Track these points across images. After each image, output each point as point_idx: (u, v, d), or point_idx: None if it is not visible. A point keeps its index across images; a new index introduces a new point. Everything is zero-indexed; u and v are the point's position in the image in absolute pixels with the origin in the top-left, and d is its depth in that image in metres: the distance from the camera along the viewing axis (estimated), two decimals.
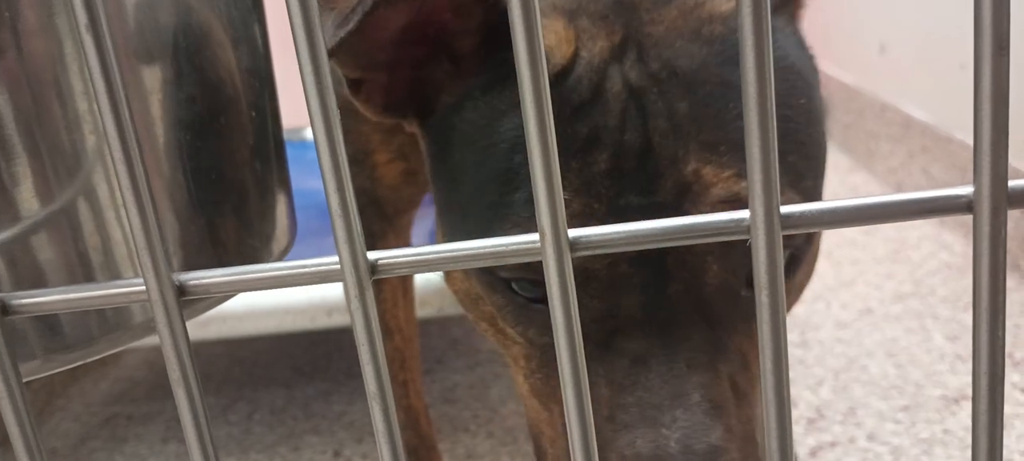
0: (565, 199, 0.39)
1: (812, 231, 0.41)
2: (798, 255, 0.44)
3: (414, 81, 0.47)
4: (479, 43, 0.44)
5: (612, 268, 0.40)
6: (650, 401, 0.39)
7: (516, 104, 0.42)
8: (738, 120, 0.40)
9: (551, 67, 0.42)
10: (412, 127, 0.49)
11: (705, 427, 0.38)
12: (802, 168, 0.43)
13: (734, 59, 0.41)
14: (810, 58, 0.47)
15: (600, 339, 0.41)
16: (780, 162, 0.41)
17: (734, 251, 0.40)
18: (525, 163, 0.41)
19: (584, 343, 0.42)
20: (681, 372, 0.39)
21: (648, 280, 0.40)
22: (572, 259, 0.39)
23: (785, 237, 0.41)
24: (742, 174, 0.40)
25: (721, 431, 0.38)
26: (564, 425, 0.42)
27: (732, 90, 0.40)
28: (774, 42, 0.45)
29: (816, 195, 0.44)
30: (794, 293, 0.47)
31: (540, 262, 0.39)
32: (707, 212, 0.38)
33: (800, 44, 0.47)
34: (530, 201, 0.40)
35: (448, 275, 0.49)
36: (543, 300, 0.43)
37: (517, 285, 0.43)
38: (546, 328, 0.43)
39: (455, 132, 0.45)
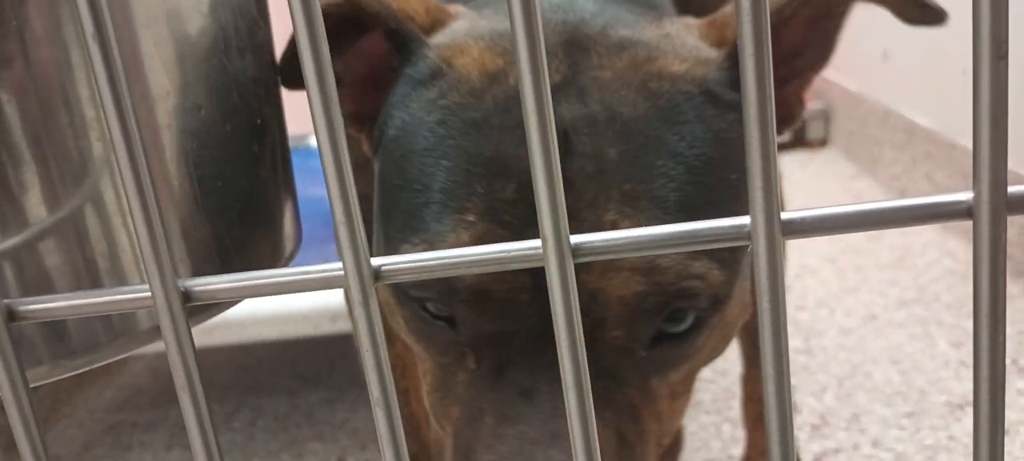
0: (470, 221, 0.39)
1: (719, 300, 0.40)
2: (703, 317, 0.42)
3: (362, 101, 0.48)
4: (388, 52, 0.46)
5: (511, 293, 0.39)
6: (529, 436, 0.39)
7: (428, 112, 0.43)
8: (664, 179, 0.40)
9: (457, 82, 0.43)
10: (366, 146, 0.50)
11: None
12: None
13: (674, 119, 0.41)
14: None
15: (494, 366, 0.41)
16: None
17: (638, 321, 0.40)
18: (437, 176, 0.41)
19: (478, 366, 0.42)
20: (563, 413, 0.39)
21: (546, 315, 0.39)
22: (470, 278, 0.39)
23: (688, 296, 0.41)
24: None
25: None
26: (455, 447, 0.42)
27: (665, 148, 0.40)
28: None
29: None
30: (724, 332, 0.45)
31: (443, 283, 0.40)
32: (613, 270, 0.38)
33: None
34: (440, 216, 0.40)
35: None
36: (445, 317, 0.42)
37: (429, 304, 0.43)
38: (446, 349, 0.43)
39: (384, 141, 0.45)
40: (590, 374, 0.40)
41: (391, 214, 0.44)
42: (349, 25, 0.46)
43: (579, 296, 0.39)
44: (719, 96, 0.43)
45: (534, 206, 0.39)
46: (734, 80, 0.43)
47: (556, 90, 0.41)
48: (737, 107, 0.43)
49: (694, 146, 0.41)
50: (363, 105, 0.48)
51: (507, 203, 0.39)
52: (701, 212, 0.40)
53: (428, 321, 0.43)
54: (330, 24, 0.45)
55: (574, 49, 0.43)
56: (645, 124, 0.40)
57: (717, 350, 0.46)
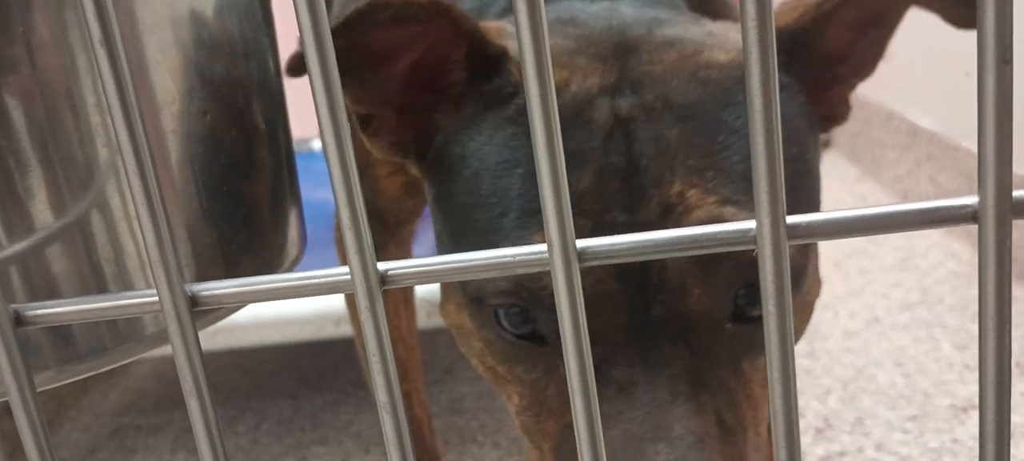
0: None
1: (806, 242, 0.41)
2: (796, 269, 0.44)
3: (420, 126, 0.48)
4: (467, 76, 0.45)
5: (598, 285, 0.40)
6: (634, 433, 0.38)
7: (500, 128, 0.44)
8: (727, 152, 0.41)
9: None
10: (414, 169, 0.50)
11: None
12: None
13: (727, 101, 0.42)
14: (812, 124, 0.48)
15: None
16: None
17: (715, 274, 0.40)
18: (513, 184, 0.42)
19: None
20: (664, 402, 0.39)
21: (632, 302, 0.40)
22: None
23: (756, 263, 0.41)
24: (727, 200, 0.40)
25: None
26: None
27: (724, 126, 0.41)
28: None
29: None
30: (805, 313, 0.47)
31: (528, 288, 0.40)
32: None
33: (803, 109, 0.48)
34: (520, 223, 0.41)
35: (442, 308, 0.49)
36: (530, 337, 0.43)
37: (505, 319, 0.43)
38: (533, 365, 0.43)
39: (447, 162, 0.46)
40: (684, 354, 0.40)
41: (465, 233, 0.44)
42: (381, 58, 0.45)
43: (655, 270, 0.39)
44: None
45: (612, 191, 0.40)
46: (780, 63, 0.45)
47: (609, 86, 0.43)
48: (785, 87, 0.45)
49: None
50: (403, 132, 0.48)
51: (586, 192, 0.40)
52: (798, 197, 0.42)
53: (512, 342, 0.43)
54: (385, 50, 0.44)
55: (623, 51, 0.45)
56: (700, 107, 0.42)
57: (799, 332, 0.48)
